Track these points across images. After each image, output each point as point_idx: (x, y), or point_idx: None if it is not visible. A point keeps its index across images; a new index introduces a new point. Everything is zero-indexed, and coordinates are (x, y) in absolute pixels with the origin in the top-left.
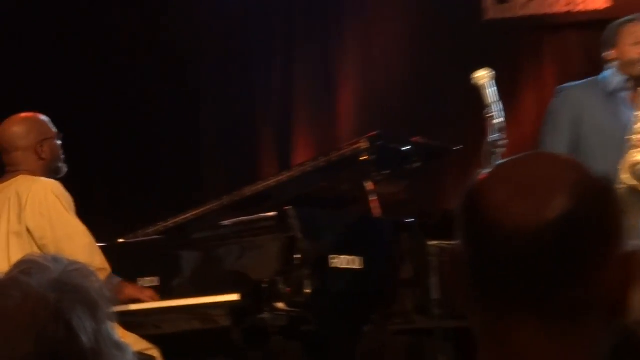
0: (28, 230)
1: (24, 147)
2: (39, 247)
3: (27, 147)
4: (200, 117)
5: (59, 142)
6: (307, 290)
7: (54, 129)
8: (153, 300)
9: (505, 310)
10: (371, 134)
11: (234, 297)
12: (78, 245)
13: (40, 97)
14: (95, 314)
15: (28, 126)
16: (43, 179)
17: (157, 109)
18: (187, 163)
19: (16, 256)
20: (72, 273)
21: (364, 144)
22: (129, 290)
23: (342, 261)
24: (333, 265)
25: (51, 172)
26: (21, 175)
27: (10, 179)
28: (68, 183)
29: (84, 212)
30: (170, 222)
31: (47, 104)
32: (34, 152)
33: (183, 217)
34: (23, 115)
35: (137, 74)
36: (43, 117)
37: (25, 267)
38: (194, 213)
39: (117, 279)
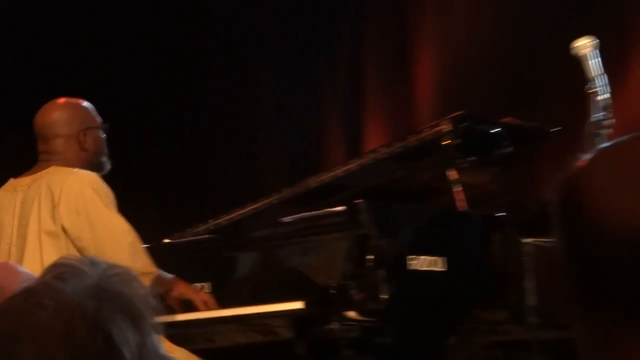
0: (64, 230)
1: (65, 135)
2: (77, 250)
3: (70, 134)
4: (257, 96)
5: (104, 135)
6: (383, 296)
7: (99, 119)
8: (207, 305)
9: (614, 323)
10: (455, 114)
11: (298, 305)
12: (120, 246)
13: (84, 85)
14: (138, 325)
15: (71, 112)
16: (79, 170)
17: (209, 88)
18: (242, 150)
19: (50, 259)
20: (112, 278)
21: (446, 126)
22: (182, 288)
23: (423, 262)
24: (412, 268)
25: (93, 167)
26: (54, 167)
27: (41, 170)
28: (108, 176)
29: (125, 209)
30: (224, 219)
31: (91, 92)
32: (76, 141)
33: (238, 213)
34: (65, 100)
35: (188, 52)
36: (87, 104)
37: (59, 271)
38: (250, 208)
39: (169, 276)
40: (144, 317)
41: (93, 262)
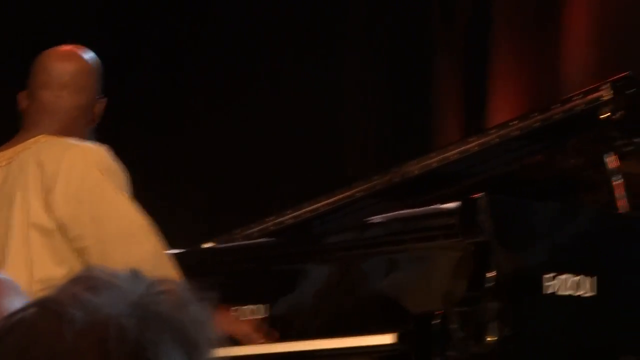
0: (60, 225)
1: (88, 92)
2: (77, 253)
3: (92, 95)
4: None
5: None
6: (507, 330)
7: None
8: (254, 338)
9: None
10: (618, 76)
11: (388, 338)
12: (136, 250)
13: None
14: (192, 358)
15: (98, 69)
16: (80, 142)
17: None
18: (321, 123)
19: (42, 265)
20: (159, 296)
21: (605, 93)
22: (222, 322)
23: (564, 283)
24: (549, 291)
25: None
26: (44, 136)
27: (26, 140)
28: (124, 154)
29: (146, 200)
30: (288, 217)
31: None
32: (91, 107)
33: (308, 209)
34: (83, 49)
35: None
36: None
37: (87, 283)
38: (325, 203)
39: None
40: (199, 349)
41: (134, 275)
